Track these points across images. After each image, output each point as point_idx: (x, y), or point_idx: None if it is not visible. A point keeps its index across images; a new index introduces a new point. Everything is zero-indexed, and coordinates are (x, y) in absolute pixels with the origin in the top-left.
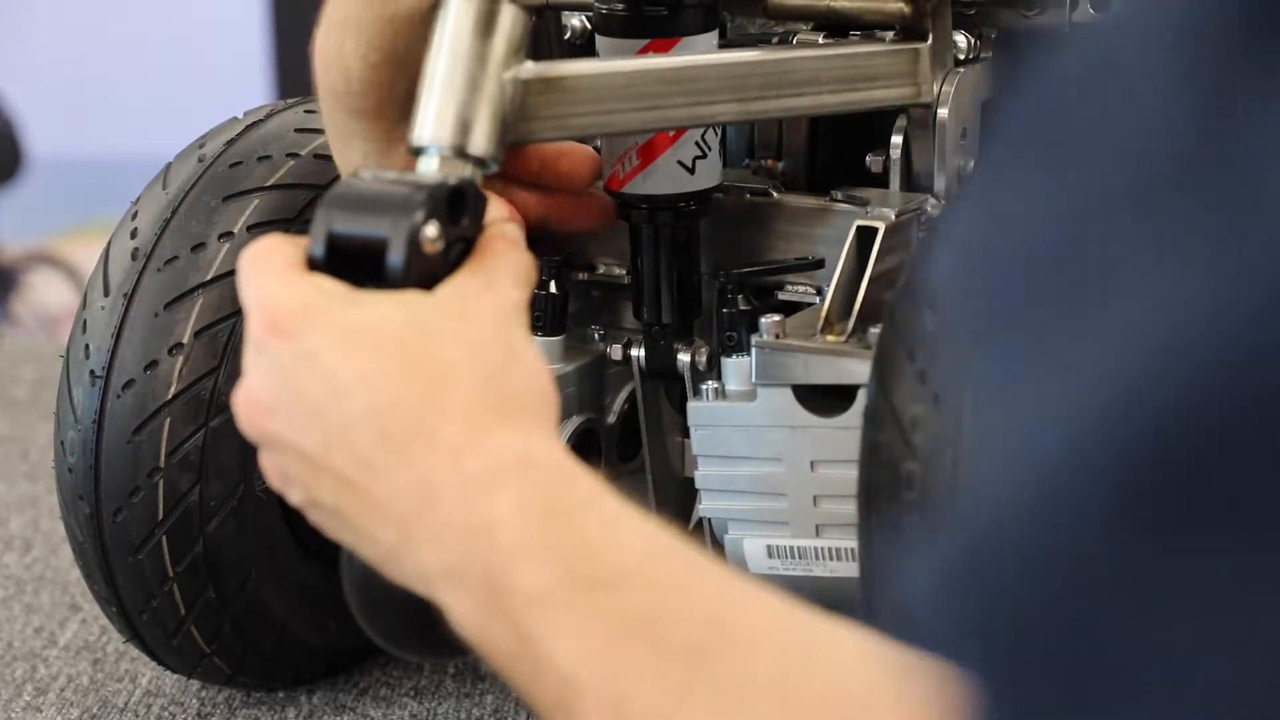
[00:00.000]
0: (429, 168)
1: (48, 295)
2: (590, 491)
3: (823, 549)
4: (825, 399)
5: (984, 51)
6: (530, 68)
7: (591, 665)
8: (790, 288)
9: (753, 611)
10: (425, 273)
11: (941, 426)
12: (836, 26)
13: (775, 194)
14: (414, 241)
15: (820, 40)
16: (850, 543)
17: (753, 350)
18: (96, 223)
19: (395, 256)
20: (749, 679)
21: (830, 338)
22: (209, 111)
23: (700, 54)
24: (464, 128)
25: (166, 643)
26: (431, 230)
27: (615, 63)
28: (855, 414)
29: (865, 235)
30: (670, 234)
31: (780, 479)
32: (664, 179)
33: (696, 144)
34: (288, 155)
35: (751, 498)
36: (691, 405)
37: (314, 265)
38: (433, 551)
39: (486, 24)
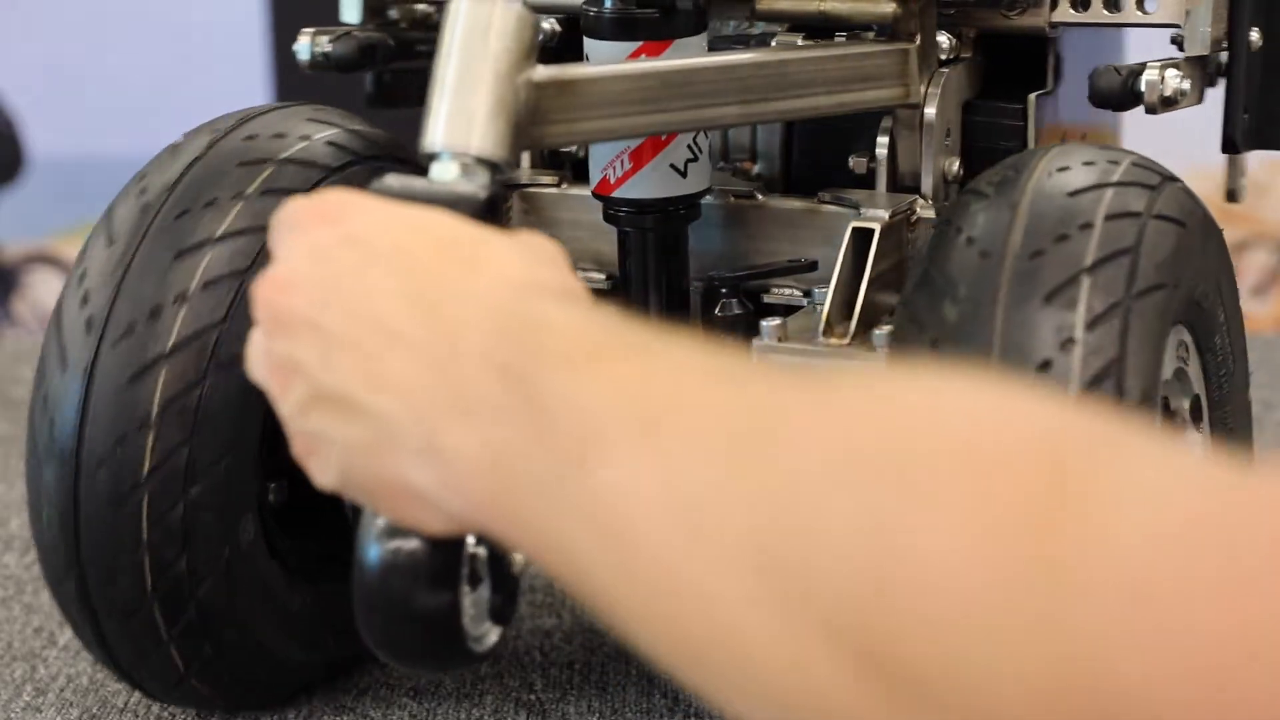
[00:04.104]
0: (446, 173)
1: (48, 295)
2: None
3: None
4: None
5: (963, 52)
6: (543, 71)
7: (619, 401)
8: (775, 290)
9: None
10: None
11: None
12: (823, 28)
13: (760, 196)
14: None
15: (800, 42)
16: None
17: (754, 355)
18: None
19: None
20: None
21: (833, 340)
22: (209, 112)
23: (708, 56)
24: (480, 133)
25: (163, 691)
26: None
27: (625, 65)
28: None
29: (860, 237)
30: (659, 238)
31: None
32: (656, 182)
33: (689, 146)
34: (233, 197)
35: None
36: None
37: None
38: (451, 393)
39: (498, 26)
